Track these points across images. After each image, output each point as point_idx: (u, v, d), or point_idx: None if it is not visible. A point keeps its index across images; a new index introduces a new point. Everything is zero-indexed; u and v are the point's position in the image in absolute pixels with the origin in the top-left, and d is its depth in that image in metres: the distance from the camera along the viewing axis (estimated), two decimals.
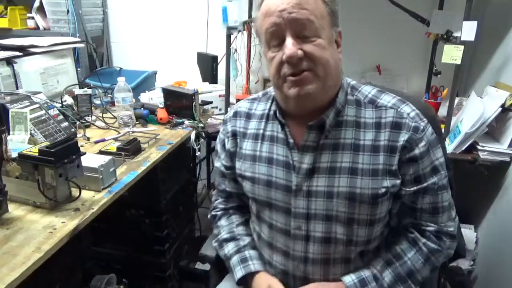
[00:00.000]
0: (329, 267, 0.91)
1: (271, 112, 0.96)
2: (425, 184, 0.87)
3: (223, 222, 1.08)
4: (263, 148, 0.95)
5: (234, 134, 1.01)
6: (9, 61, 1.59)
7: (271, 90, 0.99)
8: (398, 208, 0.92)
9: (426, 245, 0.90)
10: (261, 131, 0.96)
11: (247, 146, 0.98)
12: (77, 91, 1.73)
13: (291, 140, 0.90)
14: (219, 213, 1.10)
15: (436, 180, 0.88)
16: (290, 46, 0.79)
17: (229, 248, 1.03)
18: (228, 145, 1.01)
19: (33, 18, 2.25)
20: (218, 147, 1.06)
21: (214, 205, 1.12)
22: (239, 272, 0.98)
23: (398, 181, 0.86)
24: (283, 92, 0.85)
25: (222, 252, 1.04)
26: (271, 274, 0.98)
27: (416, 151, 0.85)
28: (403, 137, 0.85)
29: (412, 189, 0.87)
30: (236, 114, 1.02)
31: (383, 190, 0.85)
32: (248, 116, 1.00)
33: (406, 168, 0.86)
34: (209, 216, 1.14)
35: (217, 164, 1.07)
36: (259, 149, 0.95)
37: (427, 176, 0.87)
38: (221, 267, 1.08)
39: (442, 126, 1.76)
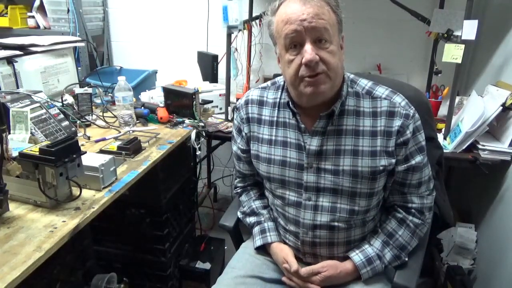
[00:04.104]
0: (334, 233, 1.05)
1: (282, 101, 1.08)
2: (413, 162, 1.01)
3: (243, 197, 1.27)
4: (278, 133, 1.08)
5: (249, 120, 1.13)
6: (9, 60, 1.58)
7: (279, 80, 1.12)
8: (390, 185, 1.07)
9: (412, 222, 1.06)
10: (275, 118, 1.09)
11: (264, 131, 1.10)
12: (78, 90, 1.73)
13: (302, 125, 1.03)
14: (239, 190, 1.29)
15: (421, 158, 1.02)
16: (309, 51, 0.90)
17: (251, 219, 1.21)
18: (245, 130, 1.14)
19: (33, 17, 2.25)
20: (234, 132, 1.20)
21: (234, 184, 1.32)
22: (258, 241, 1.17)
23: (394, 160, 1.00)
24: (298, 89, 0.97)
25: (246, 222, 1.23)
26: (286, 239, 1.14)
27: (408, 134, 0.99)
28: (397, 123, 0.98)
29: (403, 166, 1.02)
30: (248, 102, 1.14)
31: (381, 168, 0.99)
32: (261, 103, 1.12)
33: (398, 150, 1.00)
34: (233, 193, 1.37)
35: (233, 148, 1.21)
36: (274, 134, 1.09)
37: (414, 154, 1.01)
38: (238, 236, 1.32)
39: (443, 125, 1.77)
